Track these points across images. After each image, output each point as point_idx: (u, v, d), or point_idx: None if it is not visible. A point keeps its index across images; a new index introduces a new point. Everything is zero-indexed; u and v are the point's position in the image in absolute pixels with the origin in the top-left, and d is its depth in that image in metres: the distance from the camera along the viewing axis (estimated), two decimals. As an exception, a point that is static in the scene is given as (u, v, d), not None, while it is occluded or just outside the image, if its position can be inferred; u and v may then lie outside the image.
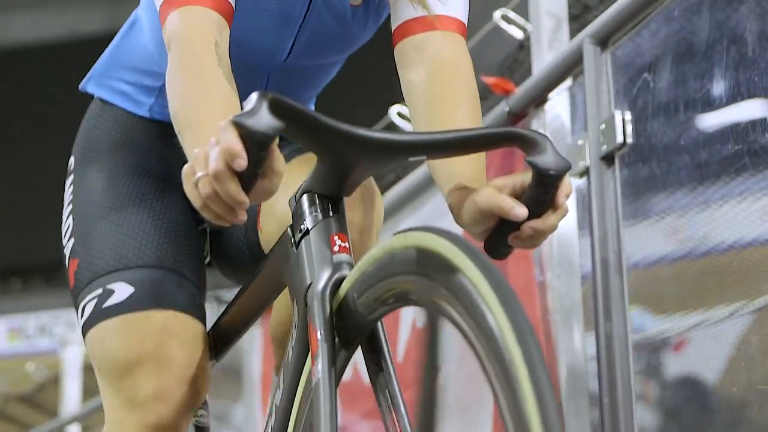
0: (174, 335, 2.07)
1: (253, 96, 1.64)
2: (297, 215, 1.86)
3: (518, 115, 3.17)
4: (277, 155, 1.65)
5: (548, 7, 3.21)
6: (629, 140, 2.73)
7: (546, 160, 1.74)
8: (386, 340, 1.77)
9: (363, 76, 7.81)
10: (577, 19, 3.55)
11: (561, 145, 2.96)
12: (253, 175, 1.63)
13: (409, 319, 3.58)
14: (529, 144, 1.76)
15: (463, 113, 1.97)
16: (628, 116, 2.75)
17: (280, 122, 1.63)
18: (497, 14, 3.53)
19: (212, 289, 2.33)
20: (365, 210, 2.11)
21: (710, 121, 2.62)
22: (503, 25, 3.53)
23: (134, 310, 2.07)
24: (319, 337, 1.70)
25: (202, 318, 2.14)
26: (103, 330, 2.09)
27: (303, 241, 1.83)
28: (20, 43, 16.74)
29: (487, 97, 3.27)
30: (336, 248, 1.79)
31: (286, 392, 1.88)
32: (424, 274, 1.55)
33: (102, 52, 2.38)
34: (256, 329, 4.85)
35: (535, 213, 1.78)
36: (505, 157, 3.15)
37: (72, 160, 2.32)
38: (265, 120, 1.62)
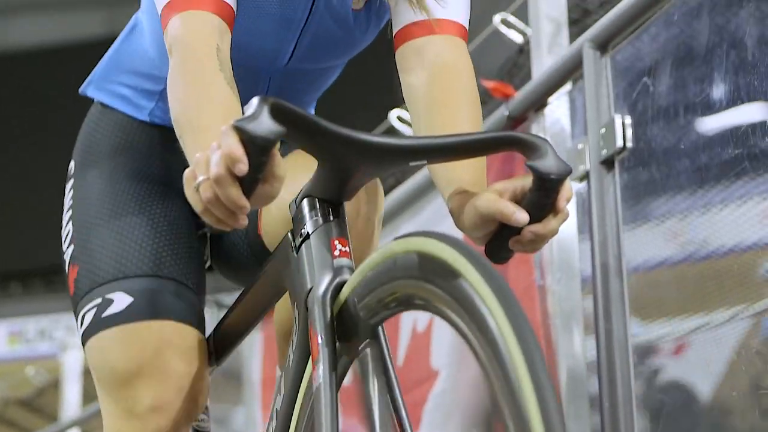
0: (173, 345, 2.06)
1: (254, 101, 1.64)
2: (297, 219, 1.86)
3: (518, 119, 3.18)
4: (278, 160, 1.66)
5: (548, 11, 3.21)
6: (629, 144, 2.74)
7: (547, 164, 1.74)
8: (387, 345, 1.77)
9: (363, 80, 7.81)
10: (577, 23, 3.55)
11: (561, 149, 2.96)
12: (254, 180, 1.63)
13: (409, 323, 3.59)
14: (529, 148, 1.76)
15: (463, 117, 1.97)
16: (628, 120, 2.75)
17: (281, 127, 1.63)
18: (497, 18, 3.53)
19: (211, 292, 2.33)
20: (367, 214, 2.11)
21: (710, 125, 2.62)
22: (503, 29, 3.53)
23: (133, 321, 2.07)
24: (319, 341, 1.70)
25: (201, 326, 2.14)
26: (101, 340, 2.09)
27: (303, 245, 1.83)
28: (20, 47, 16.74)
29: (486, 101, 3.27)
30: (337, 252, 1.79)
31: (287, 397, 1.88)
32: (425, 279, 1.55)
33: (102, 55, 2.37)
34: (256, 333, 4.85)
35: (535, 217, 1.78)
36: (504, 161, 3.15)
37: (72, 164, 2.32)
38: (266, 125, 1.62)
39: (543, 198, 1.77)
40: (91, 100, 2.39)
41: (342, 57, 2.24)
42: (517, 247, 1.81)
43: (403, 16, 2.06)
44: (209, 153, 1.64)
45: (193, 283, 2.17)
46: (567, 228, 2.91)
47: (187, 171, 1.68)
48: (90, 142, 2.31)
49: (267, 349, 4.86)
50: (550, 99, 3.09)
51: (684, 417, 2.76)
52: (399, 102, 3.51)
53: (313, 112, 2.42)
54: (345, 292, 1.73)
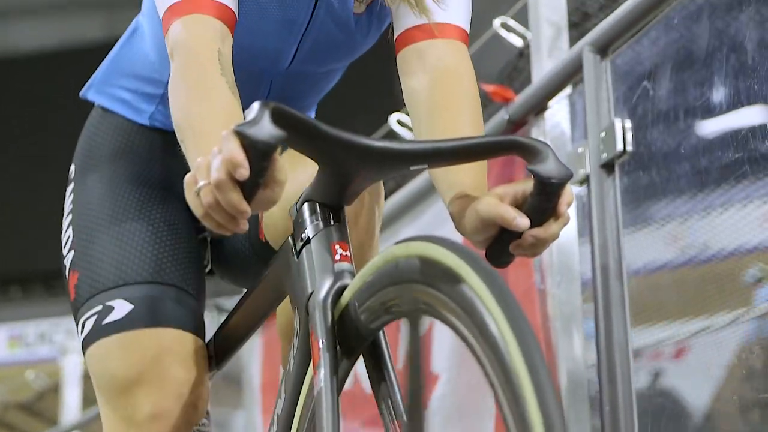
0: (172, 352, 2.06)
1: (255, 105, 1.64)
2: (298, 224, 1.86)
3: (518, 123, 3.17)
4: (279, 165, 1.65)
5: (548, 14, 3.21)
6: (629, 148, 2.73)
7: (548, 168, 1.74)
8: (388, 349, 1.77)
9: (363, 84, 7.81)
10: (577, 27, 3.55)
11: (561, 153, 2.96)
12: (254, 185, 1.63)
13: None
14: (530, 152, 1.76)
15: (465, 121, 1.97)
16: (628, 124, 2.75)
17: (282, 132, 1.63)
18: (497, 22, 3.53)
19: (211, 296, 2.33)
20: (367, 218, 2.11)
21: (710, 128, 2.62)
22: (503, 32, 3.53)
23: (133, 328, 2.07)
24: (320, 346, 1.70)
25: (201, 332, 2.14)
26: (102, 347, 2.09)
27: (304, 250, 1.83)
28: (20, 51, 16.75)
29: (486, 105, 3.27)
30: (337, 257, 1.79)
31: (288, 401, 1.88)
32: (427, 284, 1.55)
33: (101, 59, 2.37)
34: (256, 337, 4.85)
35: (536, 221, 1.78)
36: (504, 164, 3.15)
37: (72, 168, 2.31)
38: (267, 129, 1.62)
39: (544, 202, 1.77)
40: (91, 104, 2.39)
41: (343, 60, 2.24)
42: (518, 251, 1.81)
43: (405, 20, 2.06)
44: (210, 158, 1.64)
45: (194, 288, 2.17)
46: (567, 231, 2.91)
47: (188, 176, 1.68)
48: (90, 146, 2.31)
49: (267, 353, 4.86)
50: (550, 103, 3.09)
51: (683, 421, 2.76)
52: (399, 105, 3.52)
53: (313, 115, 2.42)
54: (346, 296, 1.73)
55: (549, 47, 3.19)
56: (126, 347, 2.06)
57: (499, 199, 1.79)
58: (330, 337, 1.71)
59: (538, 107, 3.11)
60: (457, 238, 1.88)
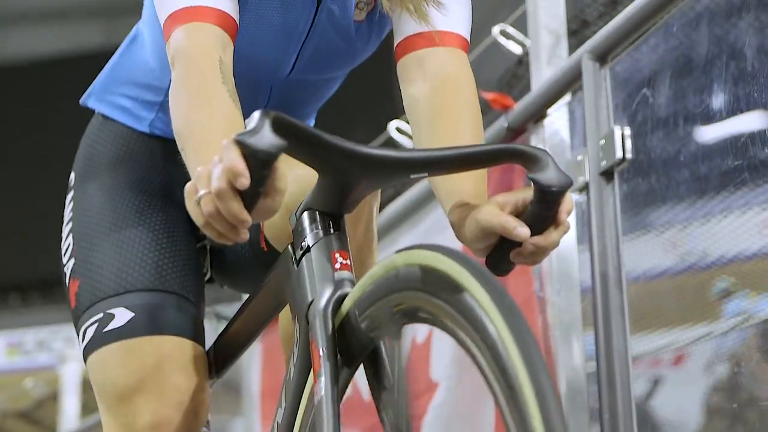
0: (173, 360, 2.06)
1: (256, 114, 1.64)
2: (298, 232, 1.86)
3: (517, 130, 3.17)
4: (280, 174, 1.65)
5: (547, 22, 3.21)
6: (629, 156, 2.73)
7: (548, 176, 1.74)
8: (388, 358, 1.77)
9: (362, 91, 7.81)
10: (576, 34, 3.56)
11: (560, 160, 2.96)
12: (255, 194, 1.63)
13: (408, 335, 3.58)
14: (530, 160, 1.77)
15: (465, 129, 1.97)
16: (628, 131, 2.75)
17: (282, 141, 1.63)
18: (496, 29, 3.53)
19: (210, 303, 2.33)
20: (366, 225, 2.11)
21: (709, 135, 2.62)
22: (502, 40, 3.53)
23: (133, 336, 2.07)
24: (321, 354, 1.70)
25: (201, 339, 2.14)
26: (102, 355, 2.09)
27: (304, 258, 1.83)
28: (20, 58, 16.75)
29: (486, 112, 3.27)
30: (337, 265, 1.79)
31: (288, 410, 1.88)
32: (428, 292, 1.55)
33: (101, 66, 2.37)
34: (256, 345, 4.84)
35: (537, 229, 1.78)
36: (504, 172, 3.15)
37: (72, 175, 2.31)
38: (267, 139, 1.62)
39: (544, 210, 1.77)
40: (91, 112, 2.39)
41: (343, 68, 2.25)
42: (518, 259, 1.82)
43: (405, 28, 2.06)
44: (211, 167, 1.64)
45: (194, 296, 2.17)
46: (566, 239, 2.89)
47: (188, 185, 1.68)
48: (90, 154, 2.31)
49: (266, 360, 4.86)
50: (550, 110, 3.09)
51: (683, 428, 2.76)
52: (398, 113, 3.52)
53: (313, 123, 2.42)
54: (346, 305, 1.73)
55: (548, 55, 3.19)
56: (127, 355, 2.06)
57: (499, 207, 1.79)
58: (330, 345, 1.71)
59: (538, 115, 3.11)
60: (456, 245, 1.89)
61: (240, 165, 1.60)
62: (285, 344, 2.26)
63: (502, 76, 4.01)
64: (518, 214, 1.79)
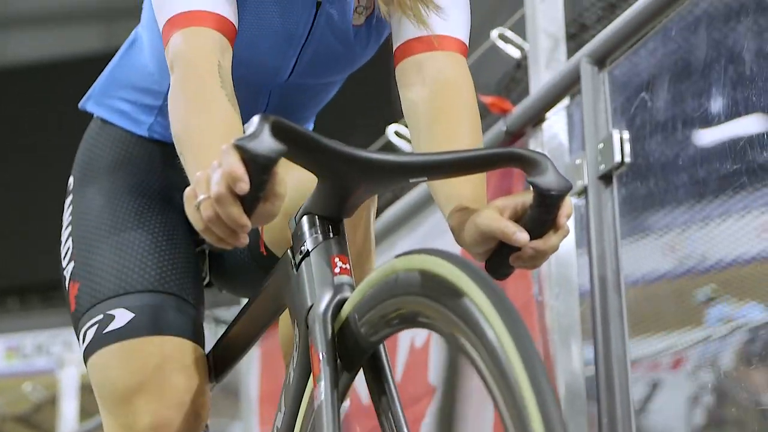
0: (173, 361, 2.06)
1: (255, 119, 1.64)
2: (297, 237, 1.86)
3: (516, 134, 3.17)
4: (279, 178, 1.65)
5: (545, 26, 3.22)
6: (627, 159, 2.73)
7: (547, 180, 1.74)
8: (388, 362, 1.77)
9: (361, 96, 7.81)
10: (575, 38, 3.56)
11: (559, 164, 2.95)
12: (255, 199, 1.63)
13: (407, 339, 3.58)
14: (530, 164, 1.77)
15: (464, 133, 1.97)
16: (626, 135, 2.75)
17: (282, 145, 1.63)
18: (494, 33, 3.53)
19: (209, 307, 2.33)
20: (364, 230, 2.11)
21: (708, 139, 2.62)
22: (500, 44, 3.53)
23: (133, 337, 2.07)
24: (321, 359, 1.70)
25: (201, 341, 2.14)
26: (103, 356, 2.09)
27: (303, 262, 1.83)
28: (19, 61, 16.75)
29: (484, 116, 3.27)
30: (337, 270, 1.79)
31: (288, 414, 1.87)
32: (427, 297, 1.55)
33: (100, 70, 2.37)
34: (254, 349, 4.84)
35: (536, 233, 1.78)
36: (503, 176, 3.15)
37: (71, 179, 2.31)
38: (267, 143, 1.62)
39: (544, 214, 1.77)
40: (90, 115, 2.39)
41: (342, 72, 2.25)
42: (517, 264, 1.82)
43: (404, 32, 2.06)
44: (210, 171, 1.64)
45: (193, 298, 2.17)
46: (565, 243, 2.89)
47: (187, 189, 1.68)
48: (89, 158, 2.31)
49: (264, 364, 4.86)
50: (548, 114, 3.09)
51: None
52: (397, 117, 3.52)
53: (312, 127, 2.42)
54: (346, 309, 1.73)
55: (547, 58, 3.19)
56: (127, 356, 2.06)
57: (498, 211, 1.79)
58: (330, 350, 1.71)
59: (536, 118, 3.11)
60: (456, 249, 1.89)
61: (239, 170, 1.60)
62: (285, 349, 2.26)
63: (501, 80, 4.02)
64: (517, 218, 1.79)
